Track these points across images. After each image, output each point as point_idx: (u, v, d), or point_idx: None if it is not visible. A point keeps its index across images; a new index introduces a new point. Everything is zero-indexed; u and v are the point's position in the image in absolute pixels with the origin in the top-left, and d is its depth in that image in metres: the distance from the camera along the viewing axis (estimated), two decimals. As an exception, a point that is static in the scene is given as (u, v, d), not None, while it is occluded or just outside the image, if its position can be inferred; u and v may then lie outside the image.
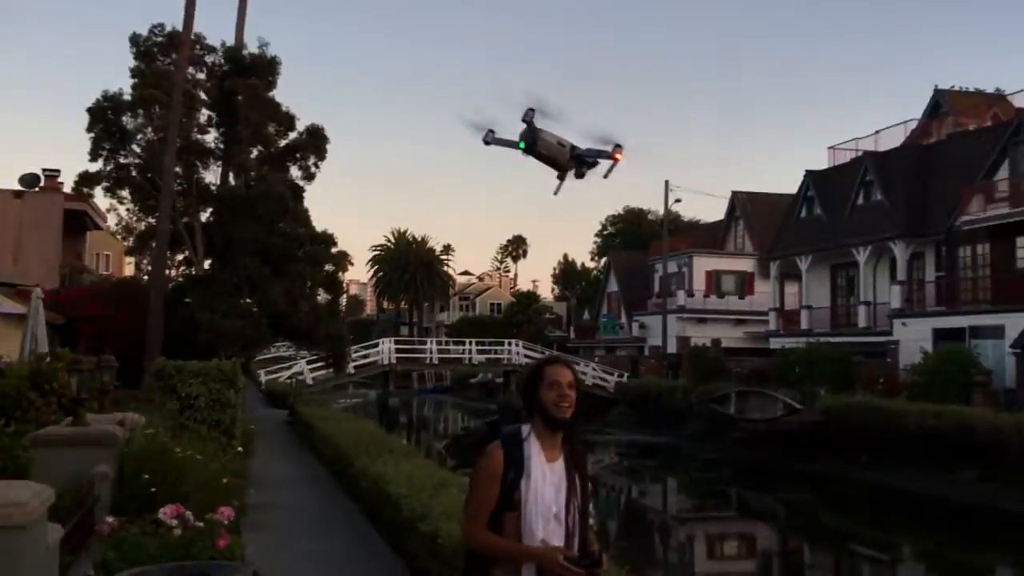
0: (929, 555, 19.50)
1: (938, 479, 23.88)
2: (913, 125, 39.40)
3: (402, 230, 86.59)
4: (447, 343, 55.06)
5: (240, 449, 13.24)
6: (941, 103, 40.23)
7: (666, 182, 48.42)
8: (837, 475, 26.48)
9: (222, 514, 6.39)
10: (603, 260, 74.21)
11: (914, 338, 31.44)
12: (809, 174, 40.74)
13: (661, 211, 52.30)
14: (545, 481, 3.29)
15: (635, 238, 72.74)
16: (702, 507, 26.17)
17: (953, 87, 41.20)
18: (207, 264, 29.81)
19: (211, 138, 31.25)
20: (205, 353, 17.96)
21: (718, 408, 33.71)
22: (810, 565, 19.08)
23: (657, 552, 19.82)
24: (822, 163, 41.56)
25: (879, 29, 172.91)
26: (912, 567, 19.06)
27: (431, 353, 49.35)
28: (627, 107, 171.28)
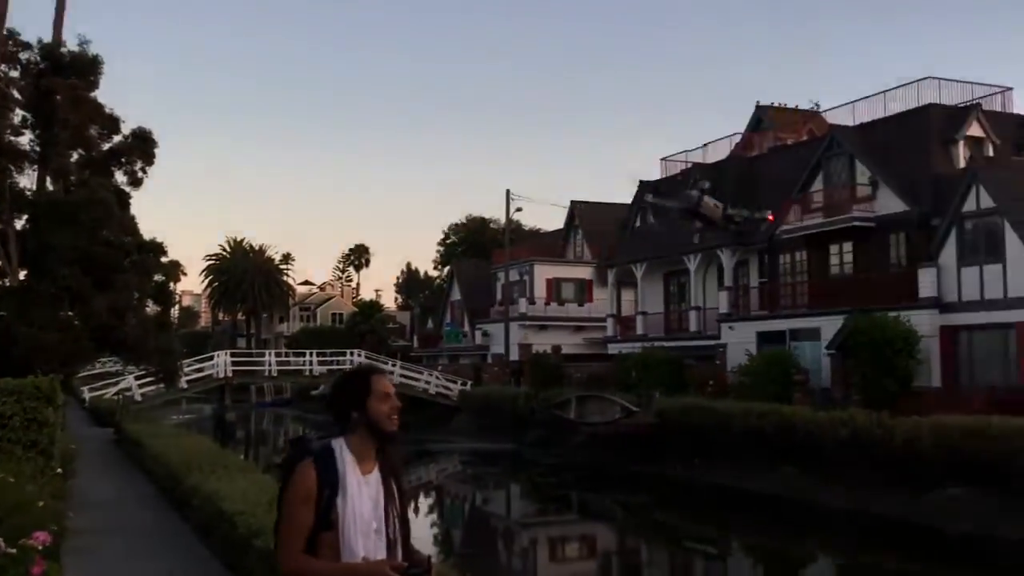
0: (755, 548, 20.54)
1: (764, 476, 25.20)
2: (738, 139, 41.53)
3: (239, 238, 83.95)
4: (287, 355, 53.65)
5: (59, 470, 12.43)
6: (763, 118, 42.61)
7: (507, 191, 49.17)
8: (672, 475, 27.49)
9: (37, 539, 5.97)
10: (446, 269, 74.43)
11: (740, 341, 33.12)
12: (643, 185, 42.21)
13: (503, 220, 52.90)
14: (362, 496, 3.13)
15: (478, 247, 73.29)
16: (544, 511, 26.59)
17: (773, 103, 43.72)
18: (23, 275, 27.85)
19: (26, 140, 29.22)
20: (20, 369, 16.76)
21: (559, 413, 34.32)
22: (647, 563, 19.72)
23: (501, 558, 19.98)
24: (656, 174, 43.24)
25: (705, 45, 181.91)
26: (739, 560, 20.02)
27: (270, 365, 47.96)
28: (473, 114, 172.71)
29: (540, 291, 51.66)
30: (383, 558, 3.11)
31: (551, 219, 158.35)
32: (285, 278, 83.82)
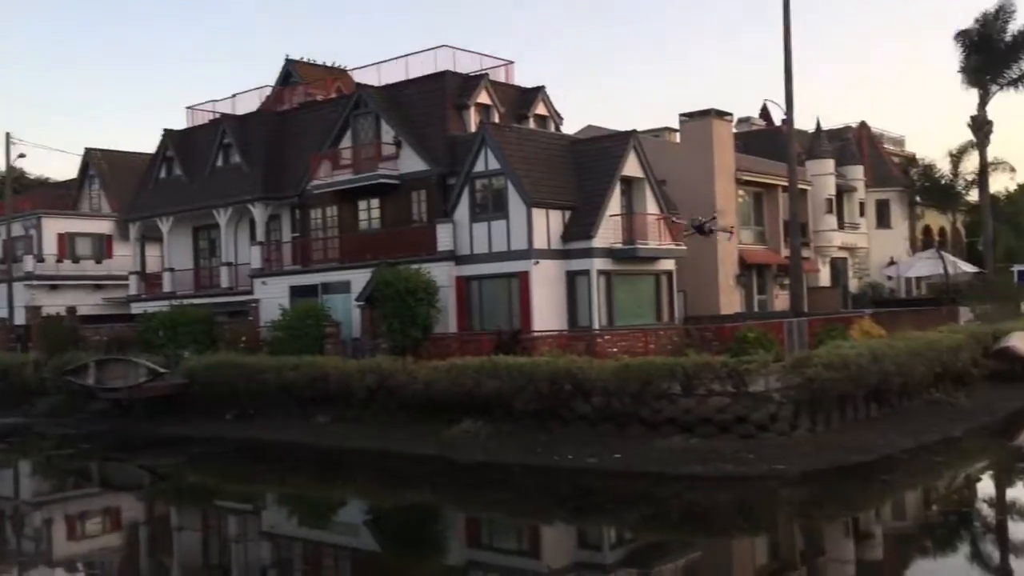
0: (289, 497, 20.86)
1: (299, 427, 25.68)
2: (268, 92, 41.08)
3: None
4: None
5: None
6: (292, 73, 42.59)
7: (7, 134, 43.75)
8: (206, 435, 26.85)
9: None
10: (-72, 222, 63.80)
11: (274, 296, 33.12)
12: (168, 134, 40.02)
13: (2, 167, 46.72)
14: None
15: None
16: (61, 487, 24.28)
17: (303, 59, 43.88)
18: None
19: None
20: None
21: (75, 380, 31.73)
22: (178, 527, 19.00)
23: (9, 544, 17.87)
24: (183, 123, 41.21)
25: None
26: (275, 511, 20.18)
27: None
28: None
29: (50, 247, 46.79)
30: None
31: (63, 169, 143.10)
32: None
